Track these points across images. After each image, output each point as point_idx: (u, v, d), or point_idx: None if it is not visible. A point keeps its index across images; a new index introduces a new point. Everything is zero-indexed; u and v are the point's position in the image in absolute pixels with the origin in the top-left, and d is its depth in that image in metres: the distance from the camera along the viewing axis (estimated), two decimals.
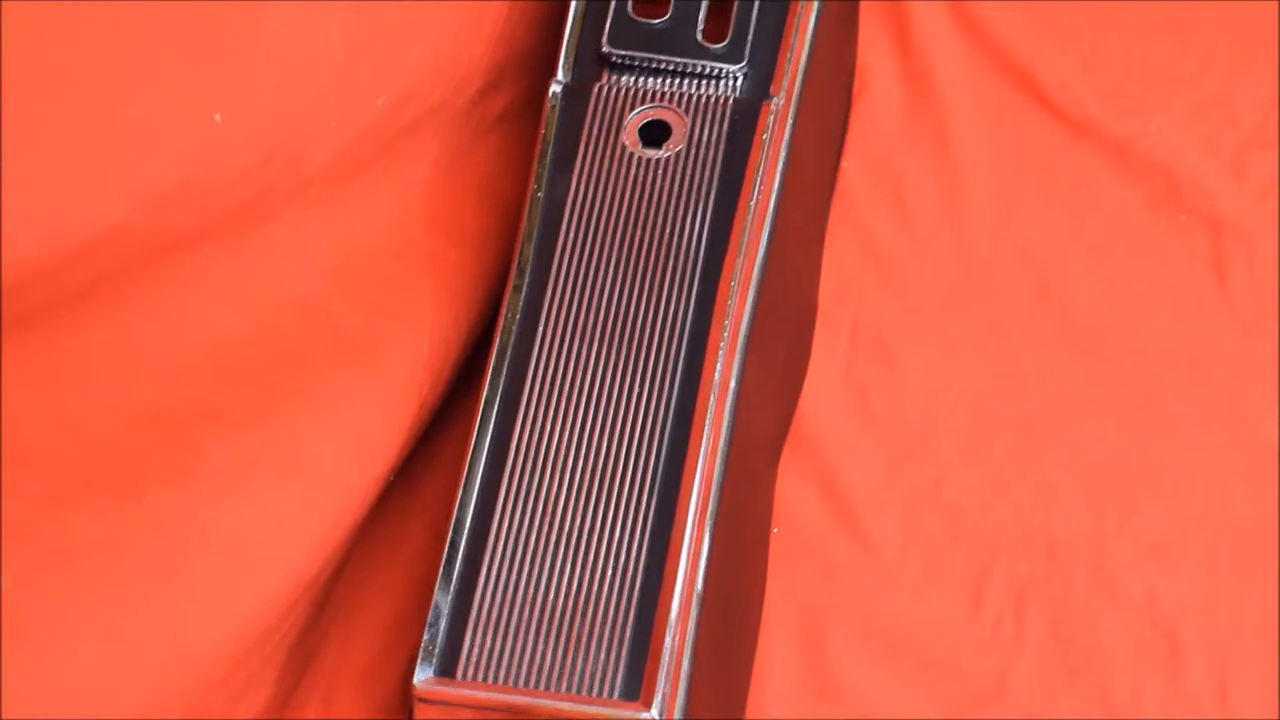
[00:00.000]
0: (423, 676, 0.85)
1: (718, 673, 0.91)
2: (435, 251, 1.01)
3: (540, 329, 0.93)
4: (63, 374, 0.88)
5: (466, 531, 0.89)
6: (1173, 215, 1.12)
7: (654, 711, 0.84)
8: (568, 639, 0.86)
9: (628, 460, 0.90)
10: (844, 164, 1.14)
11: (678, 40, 1.00)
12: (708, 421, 0.90)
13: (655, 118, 0.98)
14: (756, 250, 0.95)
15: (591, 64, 1.00)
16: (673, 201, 0.96)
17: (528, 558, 0.88)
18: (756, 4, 1.00)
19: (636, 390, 0.91)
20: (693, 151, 0.97)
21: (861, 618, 1.01)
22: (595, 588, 0.87)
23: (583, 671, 0.85)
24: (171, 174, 0.88)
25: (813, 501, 1.04)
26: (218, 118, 0.88)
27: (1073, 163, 1.13)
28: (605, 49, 0.99)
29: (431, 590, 0.87)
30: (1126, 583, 1.01)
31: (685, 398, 0.91)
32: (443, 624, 0.86)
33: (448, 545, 0.88)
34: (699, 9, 1.00)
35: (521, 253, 0.95)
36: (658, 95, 0.98)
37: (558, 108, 0.99)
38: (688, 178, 0.96)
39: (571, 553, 0.88)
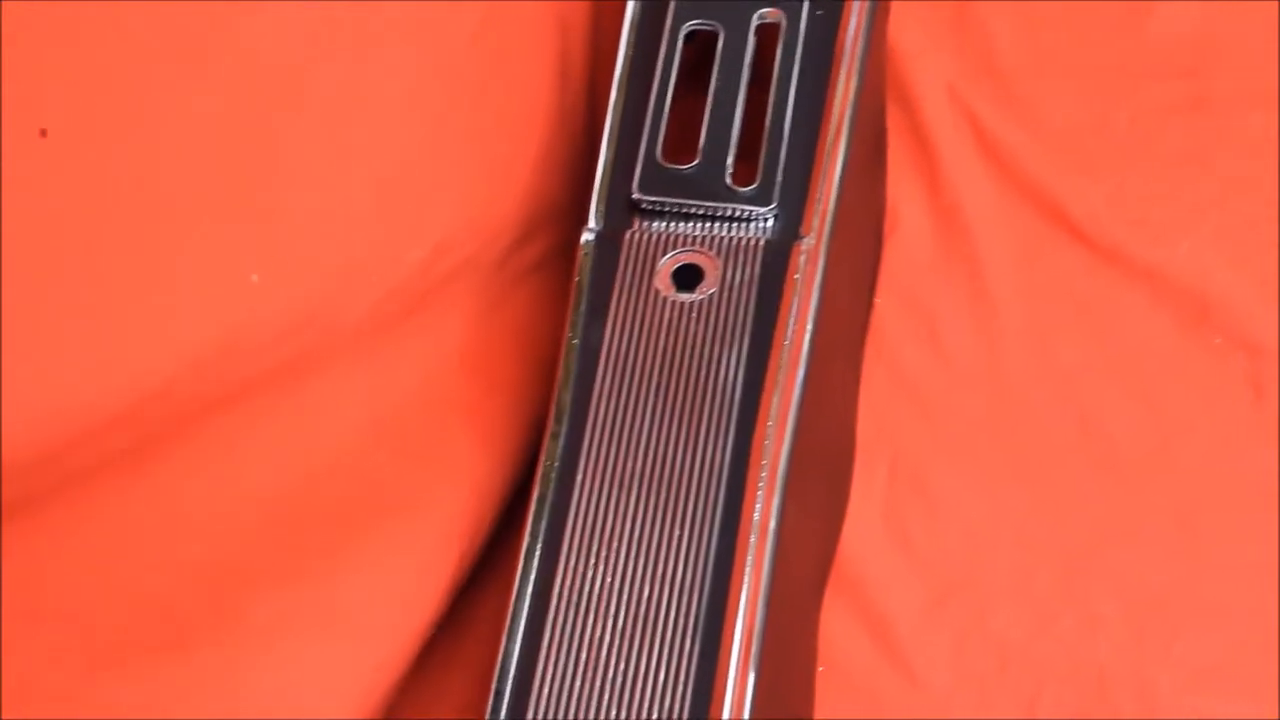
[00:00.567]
0: None
1: None
2: (473, 402, 1.01)
3: (579, 476, 0.93)
4: (108, 535, 0.89)
5: (511, 681, 0.88)
6: (1207, 338, 1.11)
7: None
8: None
9: (670, 605, 0.89)
10: (877, 301, 1.14)
11: (707, 184, 1.00)
12: (749, 564, 0.90)
13: (688, 261, 0.99)
14: (792, 391, 0.95)
15: (623, 211, 1.01)
16: (707, 344, 0.96)
17: (573, 706, 0.87)
18: (784, 147, 1.01)
19: (677, 534, 0.91)
20: (726, 294, 0.97)
21: None
22: None
23: None
24: (212, 335, 0.89)
25: (858, 639, 1.04)
26: (254, 278, 0.90)
27: (1105, 292, 1.13)
28: (636, 196, 1.00)
29: None
30: (1173, 709, 1.00)
31: (725, 541, 0.91)
32: None
33: (492, 695, 0.88)
34: (727, 153, 1.01)
35: (559, 400, 0.95)
36: (689, 239, 0.99)
37: (590, 255, 0.99)
38: (722, 320, 0.97)
39: (616, 699, 0.88)
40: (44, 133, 0.87)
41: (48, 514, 0.88)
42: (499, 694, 0.88)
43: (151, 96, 0.90)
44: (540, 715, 0.87)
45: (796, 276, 0.98)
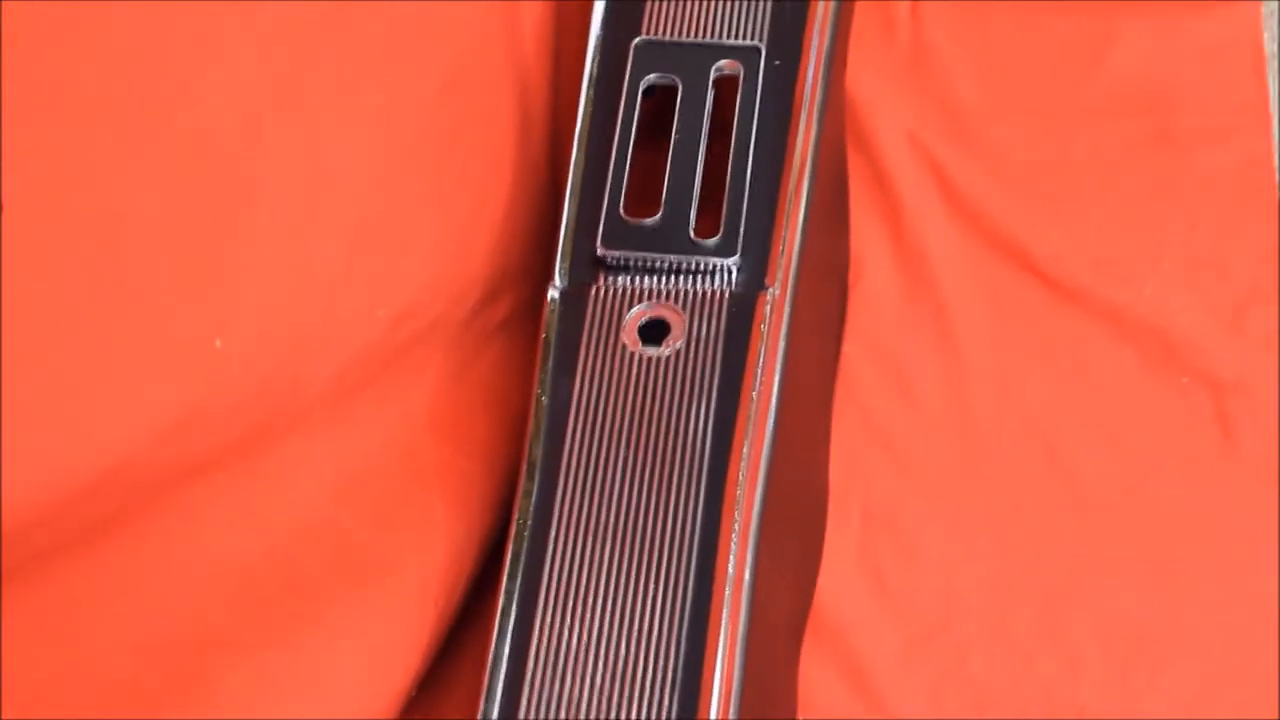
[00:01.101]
0: None
1: None
2: (443, 462, 1.01)
3: (552, 532, 0.93)
4: (74, 614, 0.88)
5: None
6: (1173, 377, 1.12)
7: None
8: None
9: (647, 659, 0.89)
10: (845, 348, 1.14)
11: (671, 238, 1.01)
12: (724, 616, 0.90)
13: (654, 316, 0.99)
14: (762, 441, 0.95)
15: (588, 267, 1.01)
16: (676, 398, 0.96)
17: None
18: (746, 198, 1.01)
19: (652, 589, 0.91)
20: (693, 347, 0.98)
21: None
22: None
23: None
24: (176, 403, 0.88)
25: (836, 686, 1.04)
26: (218, 343, 0.89)
27: (1070, 332, 1.14)
28: (600, 252, 1.00)
29: None
30: None
31: (701, 594, 0.91)
32: None
33: None
34: (690, 206, 1.01)
35: (529, 457, 0.95)
36: (655, 293, 0.99)
37: (556, 312, 0.99)
38: (689, 373, 0.97)
39: None
40: None
41: (9, 594, 0.87)
42: None
43: (110, 162, 0.90)
44: None
45: (763, 327, 0.98)
